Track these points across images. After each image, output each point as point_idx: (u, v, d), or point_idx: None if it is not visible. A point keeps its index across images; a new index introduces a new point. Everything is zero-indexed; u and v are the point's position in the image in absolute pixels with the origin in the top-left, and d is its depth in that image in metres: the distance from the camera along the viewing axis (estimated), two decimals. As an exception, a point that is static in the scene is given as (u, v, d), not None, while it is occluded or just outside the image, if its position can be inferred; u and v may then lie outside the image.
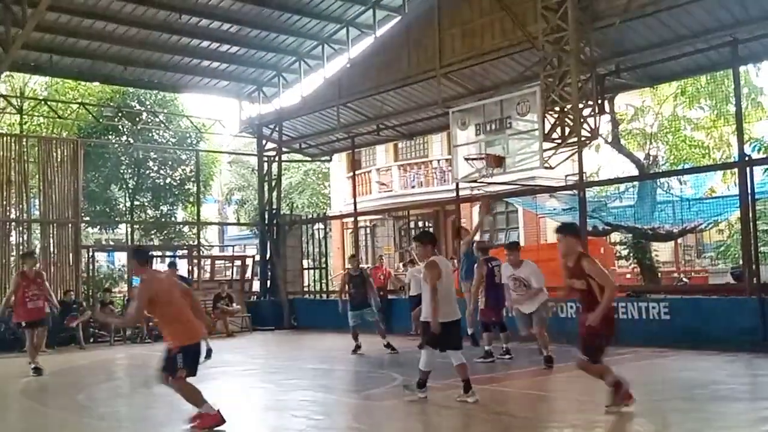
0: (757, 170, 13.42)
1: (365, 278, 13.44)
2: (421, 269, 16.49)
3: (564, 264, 7.24)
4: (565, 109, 13.17)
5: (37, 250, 18.51)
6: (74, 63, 19.47)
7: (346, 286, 13.42)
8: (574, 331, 13.29)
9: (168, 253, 24.37)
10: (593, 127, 13.51)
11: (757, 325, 11.52)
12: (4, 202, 17.65)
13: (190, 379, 6.83)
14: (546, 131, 13.24)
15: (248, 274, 22.79)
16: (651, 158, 19.31)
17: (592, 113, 13.52)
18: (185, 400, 6.93)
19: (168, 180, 27.38)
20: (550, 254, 17.44)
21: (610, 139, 17.17)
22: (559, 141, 13.41)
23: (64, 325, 16.38)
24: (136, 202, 26.81)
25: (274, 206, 22.43)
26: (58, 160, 18.67)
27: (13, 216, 18.04)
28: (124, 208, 26.81)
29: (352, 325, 13.09)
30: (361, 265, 14.42)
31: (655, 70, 15.04)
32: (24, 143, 18.74)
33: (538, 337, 10.66)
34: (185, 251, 24.11)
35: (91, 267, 20.56)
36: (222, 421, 6.82)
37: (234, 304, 19.63)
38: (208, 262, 23.35)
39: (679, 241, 20.20)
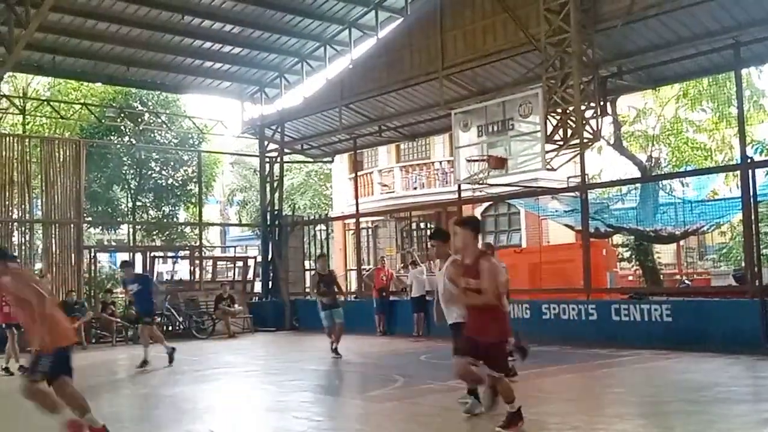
0: (759, 172, 13.42)
1: (334, 278, 13.44)
2: (423, 270, 16.69)
3: (458, 261, 6.79)
4: (568, 111, 13.17)
5: (39, 251, 18.56)
6: (77, 63, 19.49)
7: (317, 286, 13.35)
8: (574, 335, 13.37)
9: (170, 254, 24.39)
10: (595, 128, 13.51)
11: (759, 328, 11.51)
12: (7, 203, 17.68)
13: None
14: (548, 133, 13.24)
15: (250, 275, 22.80)
16: (653, 160, 19.27)
17: (595, 115, 13.52)
18: (40, 407, 6.16)
19: (170, 181, 27.36)
20: (552, 256, 17.51)
21: (612, 141, 17.14)
22: (562, 143, 13.41)
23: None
24: (138, 203, 26.81)
25: (276, 207, 22.44)
26: (61, 160, 18.69)
27: (15, 216, 18.06)
28: (126, 209, 26.80)
29: (326, 325, 13.08)
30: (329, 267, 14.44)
31: (658, 72, 15.04)
32: (27, 143, 18.77)
33: None
34: (187, 252, 24.13)
35: (93, 267, 20.57)
36: None
37: (236, 305, 19.65)
38: (210, 263, 23.36)
39: (681, 243, 20.15)
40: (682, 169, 19.20)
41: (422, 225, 27.31)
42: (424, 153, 27.96)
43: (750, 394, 8.66)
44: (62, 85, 26.63)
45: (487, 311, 6.35)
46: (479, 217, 25.43)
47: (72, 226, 18.62)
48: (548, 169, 13.69)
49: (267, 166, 22.67)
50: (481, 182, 14.94)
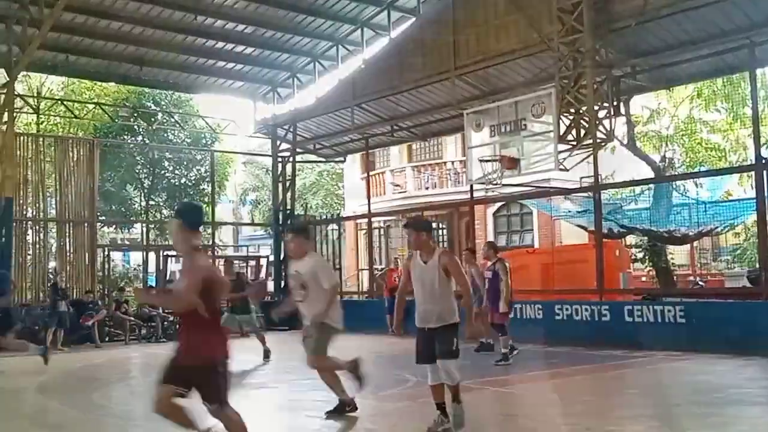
0: (774, 173, 13.33)
1: (243, 284, 13.05)
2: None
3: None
4: (581, 111, 13.13)
5: (54, 249, 18.69)
6: (90, 63, 19.59)
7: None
8: (587, 336, 13.33)
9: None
10: (608, 129, 13.46)
11: (773, 329, 11.44)
12: (21, 201, 17.78)
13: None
14: (561, 133, 13.21)
15: (262, 274, 22.85)
16: (667, 161, 19.21)
17: (608, 115, 13.47)
18: None
19: (183, 180, 27.49)
20: (564, 257, 17.46)
21: (625, 141, 17.09)
22: (574, 143, 13.37)
23: (79, 324, 16.53)
24: (152, 202, 26.93)
25: (288, 207, 22.48)
26: (75, 159, 18.80)
27: (30, 215, 18.18)
28: (139, 208, 26.94)
29: (229, 326, 12.74)
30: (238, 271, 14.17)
31: (671, 72, 14.97)
32: (41, 143, 18.88)
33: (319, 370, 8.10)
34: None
35: (106, 266, 20.67)
36: None
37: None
38: (223, 261, 23.41)
39: (695, 244, 20.07)
40: (695, 170, 19.11)
41: (434, 225, 27.27)
42: (436, 153, 27.94)
43: (764, 396, 8.61)
44: (76, 85, 26.80)
45: (192, 324, 4.84)
46: (492, 218, 25.46)
47: (86, 225, 18.72)
48: (561, 170, 13.66)
49: (279, 165, 22.72)
50: (493, 182, 14.92)
